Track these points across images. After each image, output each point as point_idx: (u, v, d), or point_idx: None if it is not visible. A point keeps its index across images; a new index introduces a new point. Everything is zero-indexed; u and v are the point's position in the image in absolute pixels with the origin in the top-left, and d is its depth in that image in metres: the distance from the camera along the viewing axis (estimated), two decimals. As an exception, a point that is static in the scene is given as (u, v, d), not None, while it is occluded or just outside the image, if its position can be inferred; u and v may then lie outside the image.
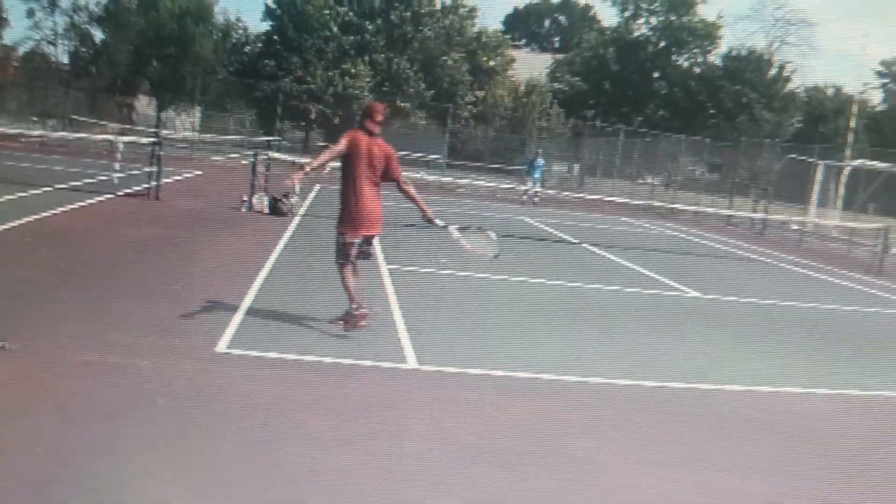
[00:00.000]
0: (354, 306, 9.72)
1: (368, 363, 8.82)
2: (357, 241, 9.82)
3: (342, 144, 9.79)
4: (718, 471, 7.03)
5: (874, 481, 7.16)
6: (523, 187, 38.49)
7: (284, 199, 21.35)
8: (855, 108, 58.78)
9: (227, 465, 5.95)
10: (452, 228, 10.23)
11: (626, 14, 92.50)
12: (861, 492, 6.90)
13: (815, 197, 37.43)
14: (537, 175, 40.90)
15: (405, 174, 10.33)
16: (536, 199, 38.44)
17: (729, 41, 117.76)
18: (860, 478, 7.23)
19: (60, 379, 7.27)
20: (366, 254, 10.05)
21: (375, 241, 10.44)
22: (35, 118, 49.12)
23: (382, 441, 6.78)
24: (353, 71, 64.51)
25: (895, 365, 11.98)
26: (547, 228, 27.43)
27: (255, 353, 8.65)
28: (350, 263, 9.84)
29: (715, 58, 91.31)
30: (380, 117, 9.86)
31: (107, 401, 6.92)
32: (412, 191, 10.16)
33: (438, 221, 10.18)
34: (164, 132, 46.76)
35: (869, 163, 37.37)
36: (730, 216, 36.53)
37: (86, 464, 5.66)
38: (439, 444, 6.86)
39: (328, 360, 8.74)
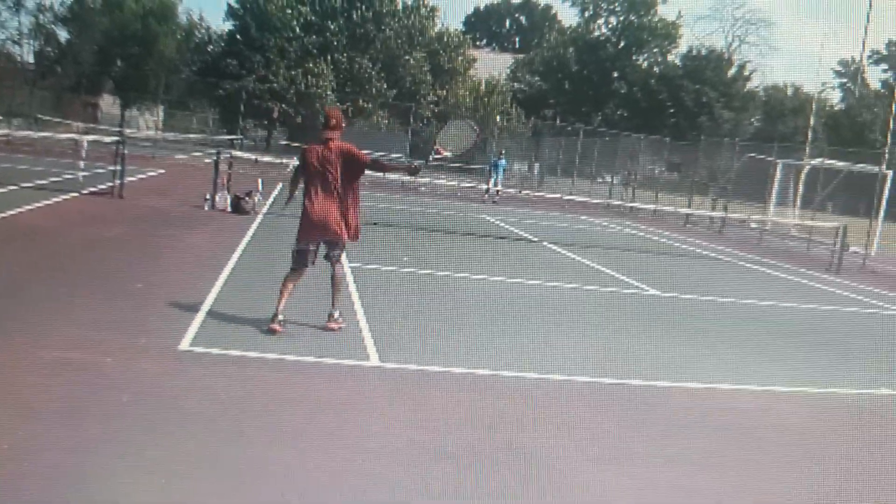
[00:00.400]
0: (276, 315, 9.68)
1: (330, 361, 8.86)
2: (310, 247, 9.87)
3: (296, 164, 10.14)
4: (674, 467, 7.12)
5: (831, 480, 7.31)
6: (485, 186, 38.65)
7: (247, 198, 21.36)
8: (814, 108, 59.27)
9: (188, 462, 5.98)
10: (432, 157, 10.29)
11: (587, 14, 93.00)
12: (808, 490, 7.04)
13: (773, 195, 37.70)
14: (500, 175, 41.16)
15: (374, 174, 10.41)
16: (497, 197, 38.65)
17: (689, 41, 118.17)
18: (817, 477, 7.37)
19: (24, 375, 7.27)
20: (330, 258, 10.08)
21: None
22: (0, 117, 48.78)
23: (342, 439, 6.83)
24: (315, 70, 64.43)
25: (851, 362, 12.13)
26: (507, 227, 27.54)
27: (217, 351, 8.67)
28: (296, 270, 9.90)
29: (675, 57, 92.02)
30: (333, 122, 9.85)
31: (71, 398, 6.93)
32: (384, 163, 10.37)
33: (419, 163, 10.29)
34: (127, 131, 46.67)
35: (827, 161, 37.67)
36: (689, 215, 36.75)
37: (50, 461, 5.69)
38: (398, 441, 6.90)
39: (290, 357, 8.76)
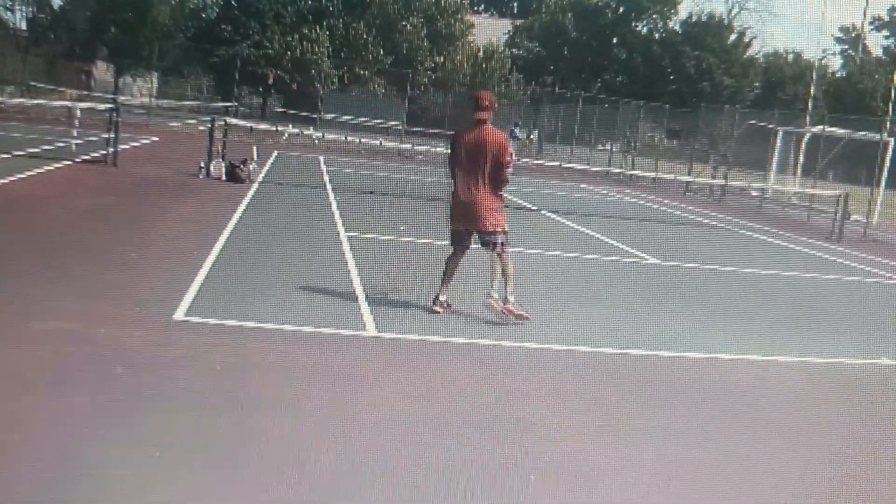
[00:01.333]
0: (440, 295, 9.99)
1: (328, 331, 8.75)
2: (461, 228, 10.09)
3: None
4: (674, 437, 7.05)
5: (826, 449, 7.21)
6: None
7: (242, 166, 21.18)
8: (814, 75, 59.04)
9: (183, 434, 5.89)
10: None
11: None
12: (810, 460, 6.94)
13: (774, 163, 37.54)
14: (513, 145, 41.20)
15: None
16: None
17: (688, 6, 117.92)
18: (815, 447, 7.27)
19: (17, 346, 7.19)
20: (488, 244, 10.03)
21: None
22: (-8, 85, 48.65)
23: (339, 409, 6.73)
24: (311, 36, 64.10)
25: (853, 332, 12.02)
26: (506, 195, 27.31)
27: (213, 321, 8.58)
28: (455, 252, 10.14)
29: (674, 23, 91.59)
30: (486, 103, 9.74)
31: (63, 368, 6.85)
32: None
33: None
34: (121, 98, 46.41)
35: (828, 129, 37.41)
36: (689, 182, 36.61)
37: (42, 433, 5.60)
38: (395, 412, 6.81)
39: (288, 327, 8.68)
